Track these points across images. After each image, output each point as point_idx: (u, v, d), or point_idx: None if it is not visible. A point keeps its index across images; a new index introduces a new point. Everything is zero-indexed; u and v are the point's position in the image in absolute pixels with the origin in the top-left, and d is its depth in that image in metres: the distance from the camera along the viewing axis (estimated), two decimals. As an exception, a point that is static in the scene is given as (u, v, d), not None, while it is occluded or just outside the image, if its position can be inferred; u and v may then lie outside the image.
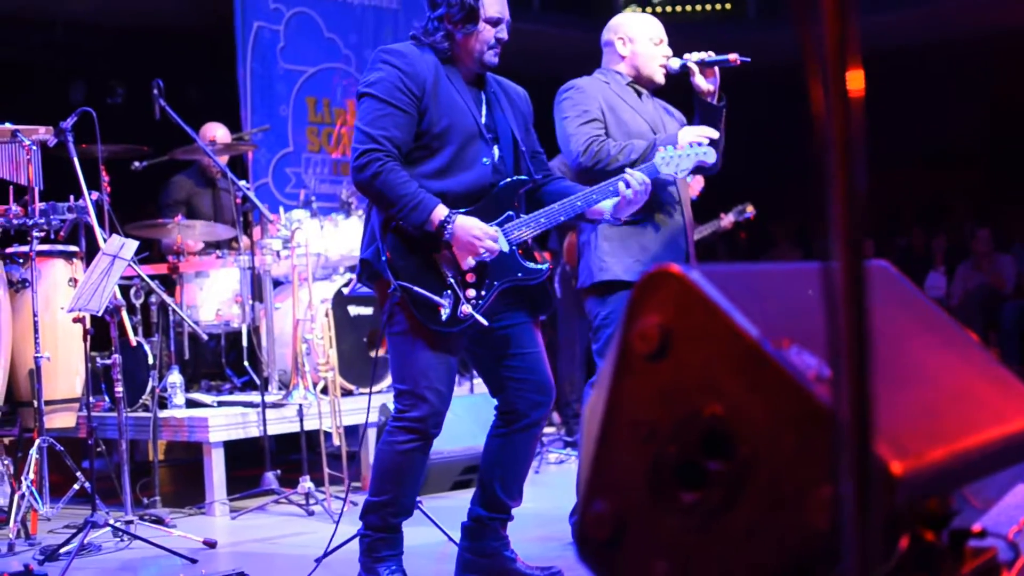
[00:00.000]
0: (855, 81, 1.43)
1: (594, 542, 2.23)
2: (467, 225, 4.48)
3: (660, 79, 5.49)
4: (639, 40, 5.48)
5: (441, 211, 4.45)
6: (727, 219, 9.30)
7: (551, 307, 4.89)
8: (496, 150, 4.70)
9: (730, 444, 2.07)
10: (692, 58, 5.32)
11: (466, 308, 4.51)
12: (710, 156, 4.99)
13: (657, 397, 2.15)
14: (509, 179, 4.69)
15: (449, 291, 4.50)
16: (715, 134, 5.17)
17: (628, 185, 4.70)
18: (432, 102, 4.52)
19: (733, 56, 5.26)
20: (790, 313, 2.19)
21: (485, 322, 4.56)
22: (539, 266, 4.74)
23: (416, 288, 4.46)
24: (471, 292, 4.54)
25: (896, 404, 2.18)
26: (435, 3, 4.63)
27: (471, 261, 4.51)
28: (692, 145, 4.96)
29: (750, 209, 9.31)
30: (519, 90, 4.97)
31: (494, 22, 4.66)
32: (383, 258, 4.47)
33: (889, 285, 2.72)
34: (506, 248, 4.62)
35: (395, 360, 4.61)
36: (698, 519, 2.10)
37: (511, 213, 4.67)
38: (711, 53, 5.33)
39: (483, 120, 4.67)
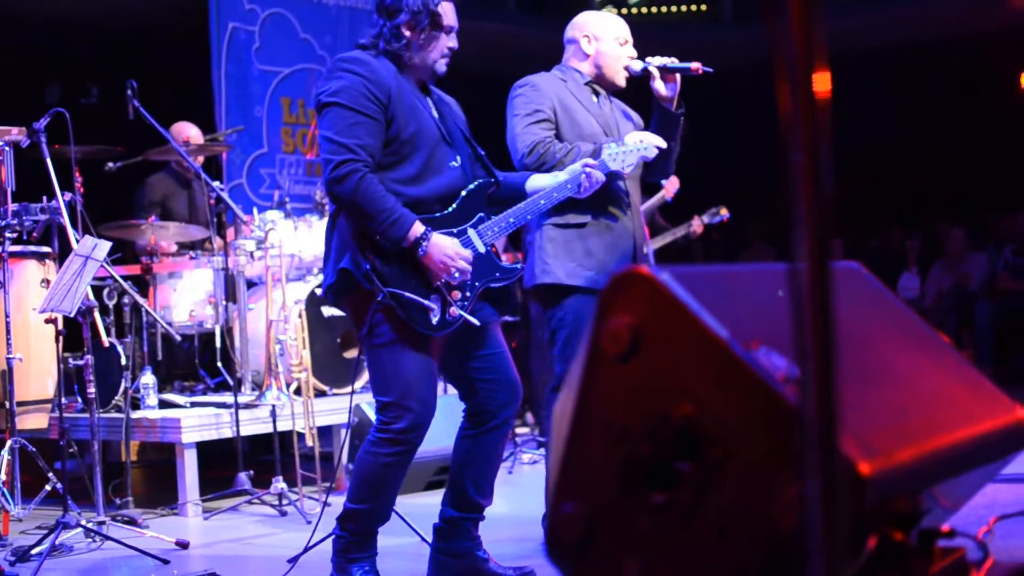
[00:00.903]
0: (822, 83, 1.43)
1: (564, 544, 2.24)
2: (441, 244, 4.46)
3: (622, 81, 5.47)
4: (604, 39, 5.46)
5: (417, 228, 4.42)
6: (698, 222, 9.27)
7: (516, 307, 4.89)
8: (457, 154, 4.70)
9: (700, 444, 2.08)
10: (654, 62, 5.32)
11: (454, 310, 4.50)
12: (650, 152, 5.00)
13: (627, 397, 2.15)
14: (479, 181, 4.70)
15: (436, 294, 4.49)
16: (663, 143, 5.17)
17: (591, 180, 4.78)
18: (398, 109, 4.48)
19: (695, 65, 5.27)
20: (760, 314, 2.20)
21: (476, 322, 4.57)
22: (513, 265, 4.78)
23: (406, 293, 4.42)
24: (456, 294, 4.53)
25: (865, 405, 2.18)
26: (394, 11, 4.59)
27: (442, 279, 4.50)
28: (640, 143, 4.99)
29: (724, 212, 9.28)
30: (452, 99, 4.98)
31: (448, 30, 4.67)
32: (366, 266, 4.40)
33: (860, 286, 2.73)
34: (482, 249, 4.63)
35: (377, 371, 4.56)
36: (668, 519, 2.11)
37: (482, 215, 4.68)
38: (674, 59, 5.33)
39: (440, 125, 4.66)
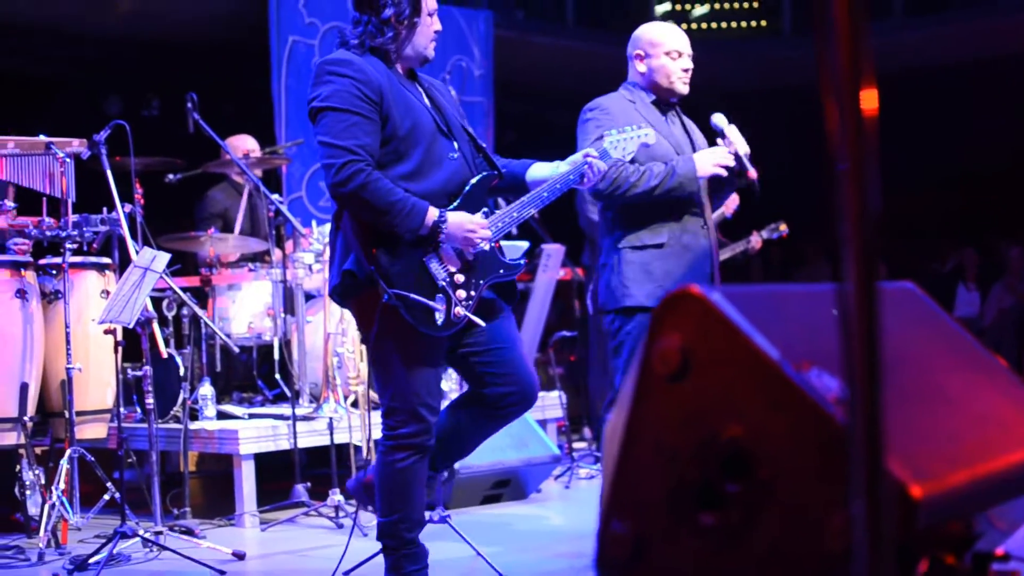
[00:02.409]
0: (868, 100, 1.42)
1: (613, 561, 2.23)
2: (459, 220, 4.46)
3: (681, 90, 5.45)
4: (655, 55, 5.43)
5: (433, 212, 4.41)
6: (757, 238, 9.18)
7: (516, 296, 4.84)
8: (456, 143, 4.67)
9: (749, 466, 2.06)
10: (733, 138, 5.34)
11: (459, 310, 4.48)
12: (651, 137, 4.94)
13: (677, 418, 2.14)
14: (482, 175, 4.67)
15: (441, 294, 4.46)
16: (731, 160, 5.17)
17: (593, 169, 4.74)
18: (392, 106, 4.45)
19: (752, 172, 5.32)
20: (811, 335, 2.18)
21: (481, 322, 4.55)
22: (517, 260, 4.76)
23: (411, 294, 4.39)
24: (461, 293, 4.51)
25: (918, 427, 2.16)
26: (378, 5, 4.53)
27: (473, 251, 4.50)
28: (635, 127, 4.95)
29: (783, 227, 9.19)
30: (440, 82, 4.96)
31: (431, 13, 4.64)
32: (370, 268, 4.37)
33: (914, 306, 2.70)
34: (486, 246, 4.61)
35: (383, 376, 4.54)
36: (717, 541, 2.09)
37: (486, 209, 4.66)
38: (747, 152, 5.34)
39: (435, 115, 4.63)
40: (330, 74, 4.46)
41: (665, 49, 5.42)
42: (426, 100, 4.66)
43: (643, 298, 5.19)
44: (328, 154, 4.41)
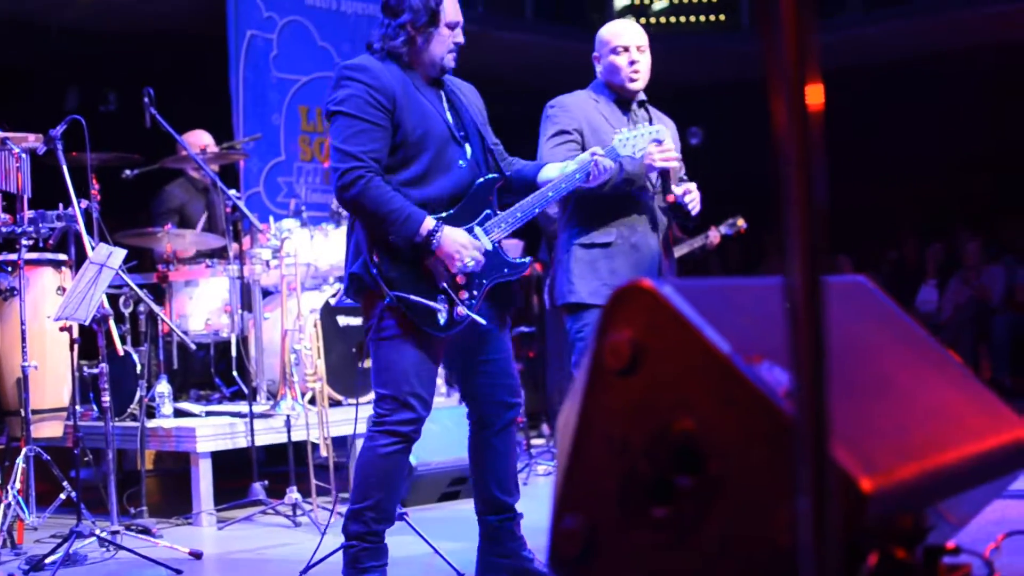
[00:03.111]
0: (814, 95, 1.42)
1: (565, 557, 2.22)
2: (453, 237, 4.54)
3: (630, 86, 5.46)
4: (605, 54, 5.49)
5: (429, 223, 4.50)
6: (715, 233, 9.15)
7: (515, 302, 4.93)
8: (468, 148, 4.76)
9: (700, 459, 2.06)
10: (679, 192, 5.35)
11: (461, 309, 4.58)
12: (662, 133, 5.05)
13: (628, 412, 2.14)
14: (484, 178, 4.76)
15: (443, 295, 4.56)
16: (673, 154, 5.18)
17: (599, 167, 4.79)
18: (404, 113, 4.55)
19: (671, 196, 5.34)
20: (762, 328, 2.18)
21: (483, 321, 4.65)
22: (522, 260, 4.83)
23: (412, 296, 4.50)
24: (463, 294, 4.60)
25: (867, 420, 2.17)
26: (397, 10, 4.65)
27: (459, 267, 4.53)
28: (646, 124, 5.01)
29: (741, 222, 9.17)
30: (469, 85, 5.02)
31: (452, 26, 4.72)
32: (373, 271, 4.49)
33: (866, 300, 2.71)
34: (489, 246, 4.69)
35: (378, 365, 4.63)
36: (668, 535, 2.09)
37: (489, 212, 4.74)
38: (695, 204, 5.36)
39: (451, 121, 4.72)
40: (346, 79, 4.60)
41: (612, 46, 5.46)
42: (444, 106, 4.75)
43: (586, 295, 5.28)
44: (336, 158, 4.55)
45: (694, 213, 5.39)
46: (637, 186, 5.27)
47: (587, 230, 5.35)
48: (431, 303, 4.51)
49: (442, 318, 4.54)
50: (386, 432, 4.59)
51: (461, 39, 4.77)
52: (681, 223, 5.58)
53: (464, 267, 4.55)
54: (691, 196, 5.35)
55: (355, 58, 4.69)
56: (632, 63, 5.42)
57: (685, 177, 5.52)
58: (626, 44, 5.44)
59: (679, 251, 9.14)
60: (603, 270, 5.30)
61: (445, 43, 4.71)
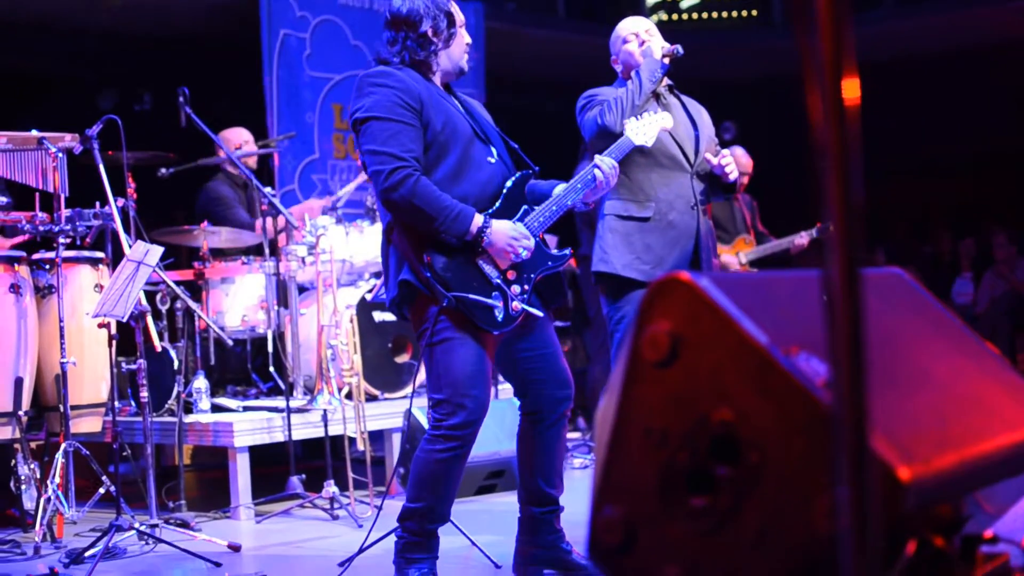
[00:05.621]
0: (851, 90, 1.44)
1: (605, 547, 2.25)
2: (503, 229, 4.57)
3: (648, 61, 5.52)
4: (620, 48, 5.63)
5: (479, 219, 4.53)
6: (803, 237, 8.98)
7: (564, 296, 4.96)
8: (493, 148, 4.79)
9: (739, 450, 2.08)
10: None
11: (516, 304, 4.60)
12: (667, 121, 5.19)
13: (667, 403, 2.16)
14: (520, 174, 4.80)
15: (497, 292, 4.58)
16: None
17: (602, 170, 4.82)
18: (431, 113, 4.57)
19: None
20: (800, 320, 2.20)
21: (540, 313, 4.70)
22: (563, 252, 4.86)
23: (470, 295, 4.51)
24: (516, 288, 4.63)
25: (906, 410, 2.18)
26: (414, 21, 4.67)
27: (513, 259, 4.58)
28: (652, 112, 5.08)
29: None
30: (476, 102, 5.08)
31: (462, 24, 4.80)
32: (426, 274, 4.48)
33: (902, 292, 2.72)
34: (532, 241, 4.69)
35: (433, 369, 4.62)
36: (707, 524, 2.11)
37: (526, 207, 4.76)
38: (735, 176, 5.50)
39: (472, 122, 4.76)
40: (372, 86, 4.58)
41: (622, 38, 5.60)
42: (462, 110, 4.77)
43: (620, 267, 5.34)
44: (376, 161, 4.50)
45: (732, 179, 5.45)
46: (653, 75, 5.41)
47: (626, 202, 5.42)
48: (488, 300, 4.54)
49: (499, 314, 4.56)
50: (443, 437, 4.59)
51: (469, 39, 4.86)
52: (722, 189, 5.59)
53: (518, 258, 4.58)
54: (727, 160, 5.43)
55: (372, 68, 4.69)
56: (643, 43, 5.52)
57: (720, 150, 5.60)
58: (634, 31, 5.55)
59: (764, 250, 9.06)
60: (637, 244, 5.36)
61: (461, 44, 4.78)
